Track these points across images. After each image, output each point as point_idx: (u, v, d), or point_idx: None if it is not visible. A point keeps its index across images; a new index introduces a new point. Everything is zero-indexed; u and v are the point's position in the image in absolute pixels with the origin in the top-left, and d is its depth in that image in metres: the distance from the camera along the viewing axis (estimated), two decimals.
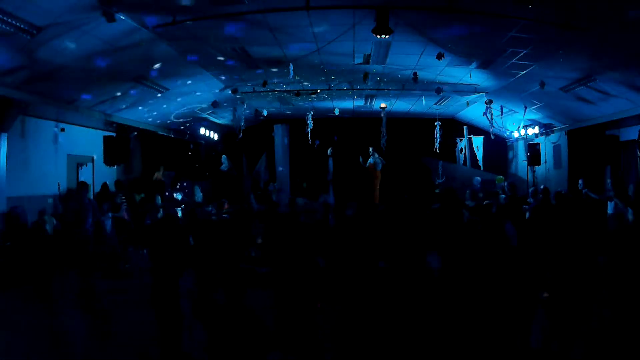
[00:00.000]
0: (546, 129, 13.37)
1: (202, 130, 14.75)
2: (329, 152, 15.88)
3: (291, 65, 9.27)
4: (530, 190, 9.89)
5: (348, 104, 14.49)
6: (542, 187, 10.25)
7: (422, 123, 15.15)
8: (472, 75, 10.00)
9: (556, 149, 13.28)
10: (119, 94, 9.72)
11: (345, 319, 4.24)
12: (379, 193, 13.93)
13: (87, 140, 11.21)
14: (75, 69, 7.72)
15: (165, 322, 4.24)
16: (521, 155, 15.33)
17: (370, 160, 13.95)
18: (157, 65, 8.74)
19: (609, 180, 10.08)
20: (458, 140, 17.17)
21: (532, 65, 8.96)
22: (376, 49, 8.71)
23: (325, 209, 8.60)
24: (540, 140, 13.49)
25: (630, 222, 7.42)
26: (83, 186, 8.73)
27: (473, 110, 14.18)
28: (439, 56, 8.41)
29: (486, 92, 11.74)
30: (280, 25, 7.40)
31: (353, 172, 15.22)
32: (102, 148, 10.03)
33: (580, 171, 11.42)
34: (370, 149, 13.95)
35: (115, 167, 11.32)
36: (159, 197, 9.94)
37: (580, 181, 10.26)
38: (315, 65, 9.73)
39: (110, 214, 8.83)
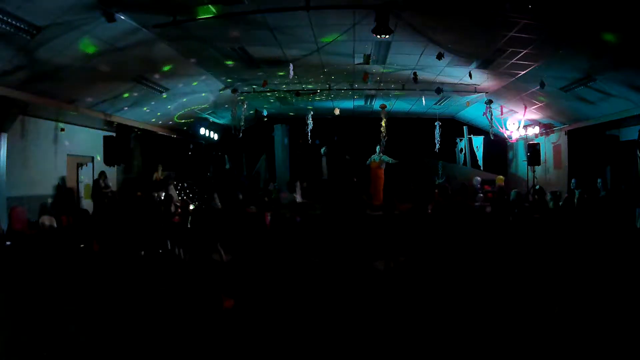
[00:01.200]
0: (546, 129, 13.38)
1: (202, 130, 14.76)
2: (322, 152, 15.93)
3: (291, 65, 9.27)
4: (513, 193, 9.73)
5: (348, 104, 14.49)
6: (537, 187, 10.20)
7: (422, 123, 15.16)
8: (472, 75, 10.00)
9: (556, 149, 13.29)
10: (119, 94, 9.73)
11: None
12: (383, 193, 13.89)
13: (87, 140, 11.22)
14: (75, 69, 7.72)
15: None
16: (521, 155, 15.33)
17: (376, 157, 13.81)
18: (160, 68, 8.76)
19: (599, 180, 10.08)
20: (458, 140, 17.18)
21: (532, 65, 8.97)
22: (376, 49, 8.72)
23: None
24: (540, 140, 13.49)
25: None
26: None
27: (473, 110, 14.19)
28: (439, 56, 8.41)
29: (486, 92, 11.74)
30: (280, 25, 7.40)
31: (354, 172, 15.23)
32: (102, 148, 10.03)
33: (580, 171, 11.42)
34: (377, 148, 13.88)
35: (115, 167, 11.32)
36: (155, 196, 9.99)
37: (573, 180, 10.26)
38: (315, 65, 9.73)
39: None
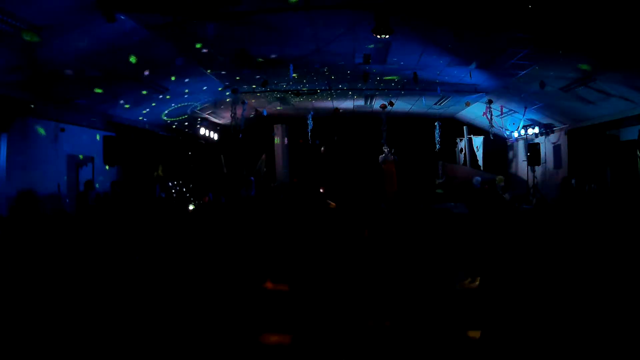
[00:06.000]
0: (546, 129, 13.38)
1: (202, 130, 14.77)
2: (322, 150, 16.11)
3: (291, 65, 9.27)
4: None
5: (348, 104, 14.50)
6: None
7: (422, 123, 15.17)
8: (472, 75, 10.00)
9: (556, 149, 13.29)
10: (118, 94, 9.73)
11: None
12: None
13: (87, 140, 11.21)
14: (75, 69, 7.72)
15: None
16: (521, 155, 15.34)
17: (387, 157, 14.22)
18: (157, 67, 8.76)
19: (573, 181, 10.12)
20: (458, 140, 17.19)
21: (532, 65, 8.96)
22: (376, 49, 8.71)
23: None
24: (540, 140, 13.49)
25: None
26: None
27: (473, 110, 14.19)
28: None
29: (486, 92, 11.74)
30: (280, 26, 7.40)
31: (358, 170, 15.40)
32: (102, 148, 10.03)
33: (580, 171, 11.42)
34: (386, 147, 14.22)
35: (115, 167, 11.32)
36: None
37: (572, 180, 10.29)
38: (315, 65, 9.73)
39: None
